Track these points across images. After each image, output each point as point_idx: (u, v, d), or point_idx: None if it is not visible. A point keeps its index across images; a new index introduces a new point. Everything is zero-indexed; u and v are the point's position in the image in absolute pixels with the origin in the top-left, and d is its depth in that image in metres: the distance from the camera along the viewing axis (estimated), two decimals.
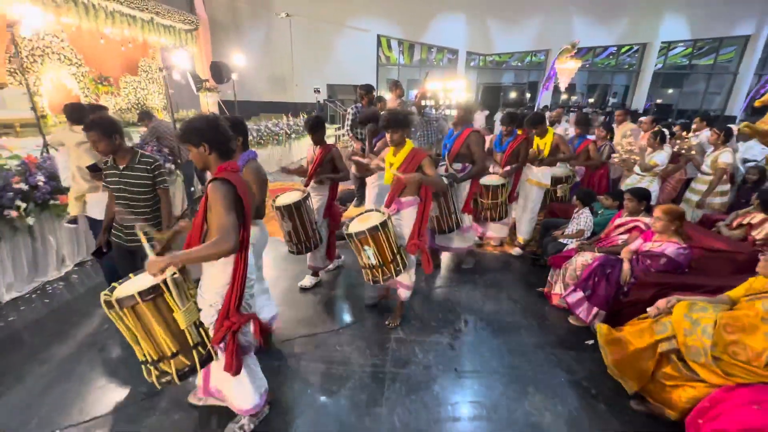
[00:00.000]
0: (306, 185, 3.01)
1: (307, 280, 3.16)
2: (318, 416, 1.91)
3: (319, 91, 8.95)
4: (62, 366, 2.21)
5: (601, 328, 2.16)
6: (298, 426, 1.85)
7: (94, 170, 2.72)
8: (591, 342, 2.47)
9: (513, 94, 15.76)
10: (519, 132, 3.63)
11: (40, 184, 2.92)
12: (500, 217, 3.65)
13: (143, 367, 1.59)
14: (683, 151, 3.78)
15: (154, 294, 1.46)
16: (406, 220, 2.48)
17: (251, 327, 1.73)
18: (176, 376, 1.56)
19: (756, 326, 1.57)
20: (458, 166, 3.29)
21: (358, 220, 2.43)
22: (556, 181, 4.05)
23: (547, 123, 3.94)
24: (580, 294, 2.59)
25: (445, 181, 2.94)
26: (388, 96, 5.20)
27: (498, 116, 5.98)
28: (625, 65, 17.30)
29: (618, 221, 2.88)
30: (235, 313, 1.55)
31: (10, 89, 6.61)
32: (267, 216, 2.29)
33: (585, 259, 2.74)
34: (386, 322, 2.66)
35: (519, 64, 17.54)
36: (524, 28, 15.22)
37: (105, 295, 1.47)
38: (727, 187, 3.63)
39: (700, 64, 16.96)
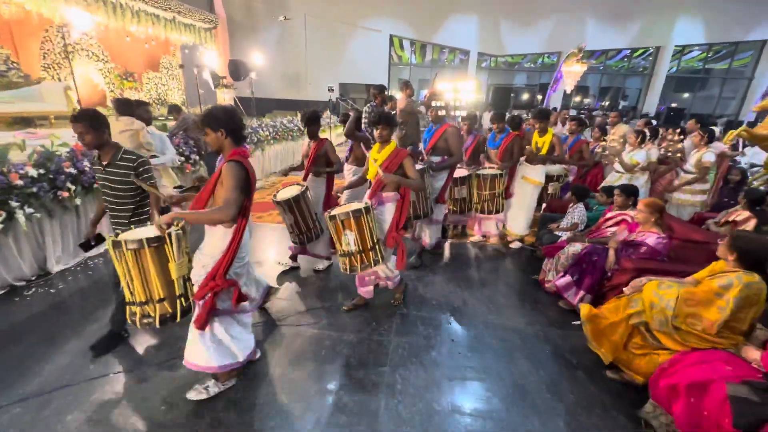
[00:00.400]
0: (304, 179, 3.19)
1: (321, 264, 3.46)
2: (330, 370, 2.20)
3: (333, 90, 9.29)
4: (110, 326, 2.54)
5: (584, 307, 2.42)
6: (311, 375, 2.15)
7: None
8: (577, 323, 2.71)
9: (525, 96, 15.87)
10: (512, 131, 3.84)
11: (87, 169, 3.27)
12: (496, 210, 3.77)
13: (128, 308, 1.87)
14: (670, 154, 3.98)
15: (158, 243, 1.76)
16: (385, 215, 2.60)
17: (232, 295, 1.90)
18: (158, 320, 1.84)
19: (711, 301, 1.81)
20: (437, 158, 3.41)
21: (340, 209, 2.50)
22: (548, 178, 4.23)
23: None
24: (568, 279, 2.84)
25: (422, 165, 3.14)
26: (399, 95, 5.46)
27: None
28: (640, 68, 17.24)
29: (608, 215, 3.12)
30: (221, 278, 1.80)
31: (46, 83, 7.06)
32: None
33: (575, 248, 2.99)
34: (392, 300, 2.94)
35: (532, 65, 17.61)
36: (537, 29, 15.31)
37: (112, 237, 1.78)
38: (707, 186, 3.83)
39: (715, 68, 16.82)
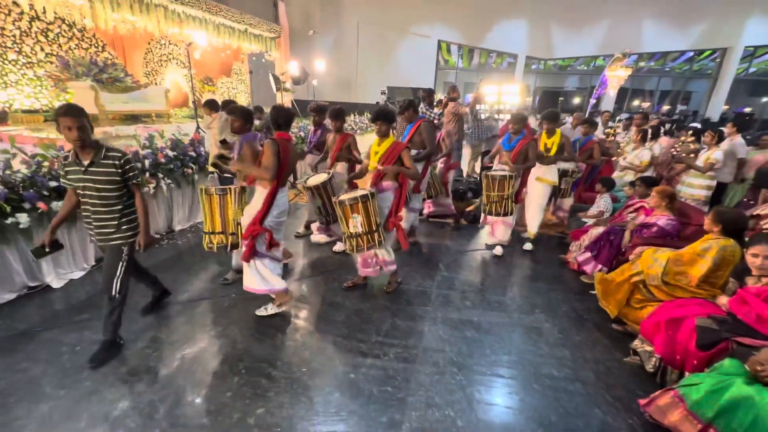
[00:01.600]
0: (330, 167, 3.63)
1: (339, 246, 3.79)
2: (386, 305, 2.90)
3: (385, 93, 10.12)
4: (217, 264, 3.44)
5: (597, 274, 2.91)
6: (374, 306, 2.85)
7: (223, 143, 3.95)
8: (594, 292, 3.18)
9: (576, 100, 15.61)
10: (527, 135, 3.71)
11: (203, 153, 4.26)
12: (505, 213, 3.66)
13: (204, 236, 2.81)
14: (683, 155, 4.19)
15: (222, 193, 2.72)
16: (385, 202, 2.89)
17: (266, 239, 2.53)
18: (215, 247, 2.81)
19: (695, 260, 2.26)
20: (413, 152, 3.51)
21: (347, 194, 2.75)
22: (561, 174, 4.16)
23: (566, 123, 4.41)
24: (588, 254, 3.31)
25: None
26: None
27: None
28: (708, 71, 16.28)
29: (629, 202, 3.53)
30: (257, 224, 2.48)
31: (152, 87, 8.54)
32: None
33: (598, 231, 3.44)
34: (384, 288, 3.11)
35: (585, 68, 17.26)
36: (589, 32, 15.12)
37: (202, 186, 2.75)
38: (714, 182, 4.03)
39: None
